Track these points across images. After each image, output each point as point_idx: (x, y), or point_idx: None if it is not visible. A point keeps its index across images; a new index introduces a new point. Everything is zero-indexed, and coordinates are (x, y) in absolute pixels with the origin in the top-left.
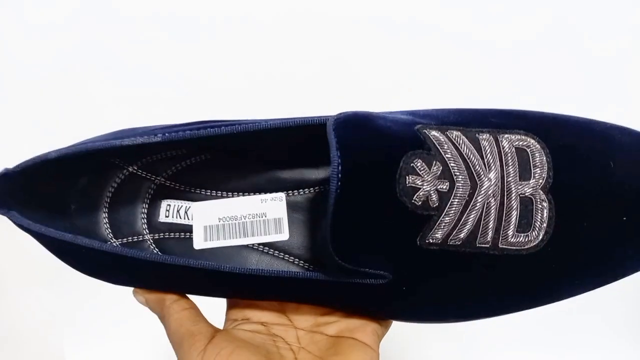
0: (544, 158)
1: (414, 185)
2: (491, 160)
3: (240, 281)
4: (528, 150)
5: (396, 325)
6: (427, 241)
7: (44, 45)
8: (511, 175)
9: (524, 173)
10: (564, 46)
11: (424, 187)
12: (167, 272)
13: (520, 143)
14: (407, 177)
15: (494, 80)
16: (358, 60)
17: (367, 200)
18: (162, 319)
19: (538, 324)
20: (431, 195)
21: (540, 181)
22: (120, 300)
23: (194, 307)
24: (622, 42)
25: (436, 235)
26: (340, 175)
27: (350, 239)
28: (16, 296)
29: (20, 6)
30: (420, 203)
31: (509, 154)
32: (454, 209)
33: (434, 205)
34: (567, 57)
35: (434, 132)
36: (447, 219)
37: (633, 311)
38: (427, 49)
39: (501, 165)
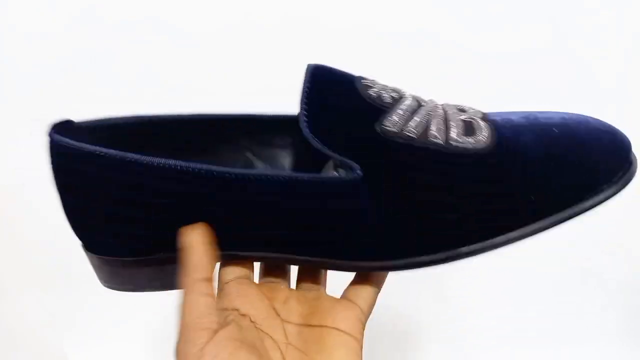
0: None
1: (369, 85)
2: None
3: (230, 193)
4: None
5: (385, 329)
6: (383, 125)
7: (32, 52)
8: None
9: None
10: (555, 52)
11: (376, 87)
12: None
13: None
14: (362, 81)
15: (482, 87)
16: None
17: (333, 90)
18: (185, 287)
19: (531, 323)
20: (383, 94)
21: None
22: (120, 301)
23: (212, 296)
24: (616, 48)
25: (393, 118)
26: (310, 78)
27: (320, 120)
28: (16, 297)
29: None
30: (376, 96)
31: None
32: (405, 106)
33: (387, 102)
34: (559, 63)
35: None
36: (400, 110)
37: (626, 311)
38: (415, 55)
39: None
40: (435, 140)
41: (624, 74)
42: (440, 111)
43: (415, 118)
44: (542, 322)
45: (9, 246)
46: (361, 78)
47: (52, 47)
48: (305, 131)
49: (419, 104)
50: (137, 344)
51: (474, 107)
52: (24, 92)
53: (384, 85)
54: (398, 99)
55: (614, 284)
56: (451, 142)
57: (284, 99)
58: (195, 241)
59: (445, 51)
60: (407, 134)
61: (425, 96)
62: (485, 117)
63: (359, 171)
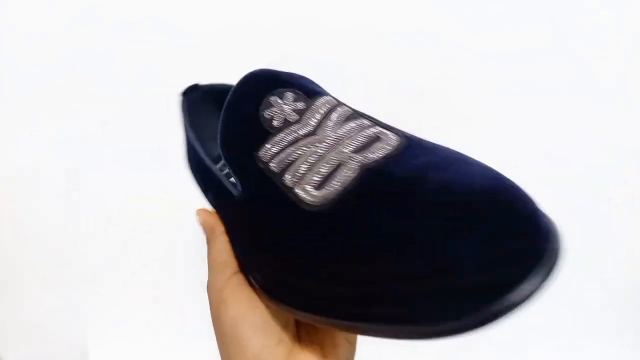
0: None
1: (272, 103)
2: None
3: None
4: (382, 136)
5: None
6: (257, 153)
7: (32, 52)
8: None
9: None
10: (555, 52)
11: (278, 106)
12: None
13: (375, 132)
14: (271, 97)
15: (482, 87)
16: (344, 67)
17: (242, 105)
18: (208, 242)
19: (531, 322)
20: (274, 116)
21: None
22: (120, 301)
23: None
24: (616, 48)
25: (268, 147)
26: (237, 86)
27: (225, 132)
28: (16, 297)
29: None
30: (268, 118)
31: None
32: (288, 133)
33: (276, 125)
34: (559, 63)
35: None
36: (277, 140)
37: (625, 311)
38: (415, 55)
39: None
40: (282, 183)
41: (624, 74)
42: (321, 150)
43: (288, 150)
44: (543, 319)
45: (9, 246)
46: (277, 92)
47: (52, 47)
48: (219, 142)
49: (310, 133)
50: (137, 344)
51: (393, 144)
52: (24, 92)
53: (291, 103)
54: (290, 123)
55: (614, 284)
56: (296, 190)
57: None
58: (208, 214)
59: (445, 51)
60: (271, 168)
61: (424, 96)
62: (378, 162)
63: (239, 188)
